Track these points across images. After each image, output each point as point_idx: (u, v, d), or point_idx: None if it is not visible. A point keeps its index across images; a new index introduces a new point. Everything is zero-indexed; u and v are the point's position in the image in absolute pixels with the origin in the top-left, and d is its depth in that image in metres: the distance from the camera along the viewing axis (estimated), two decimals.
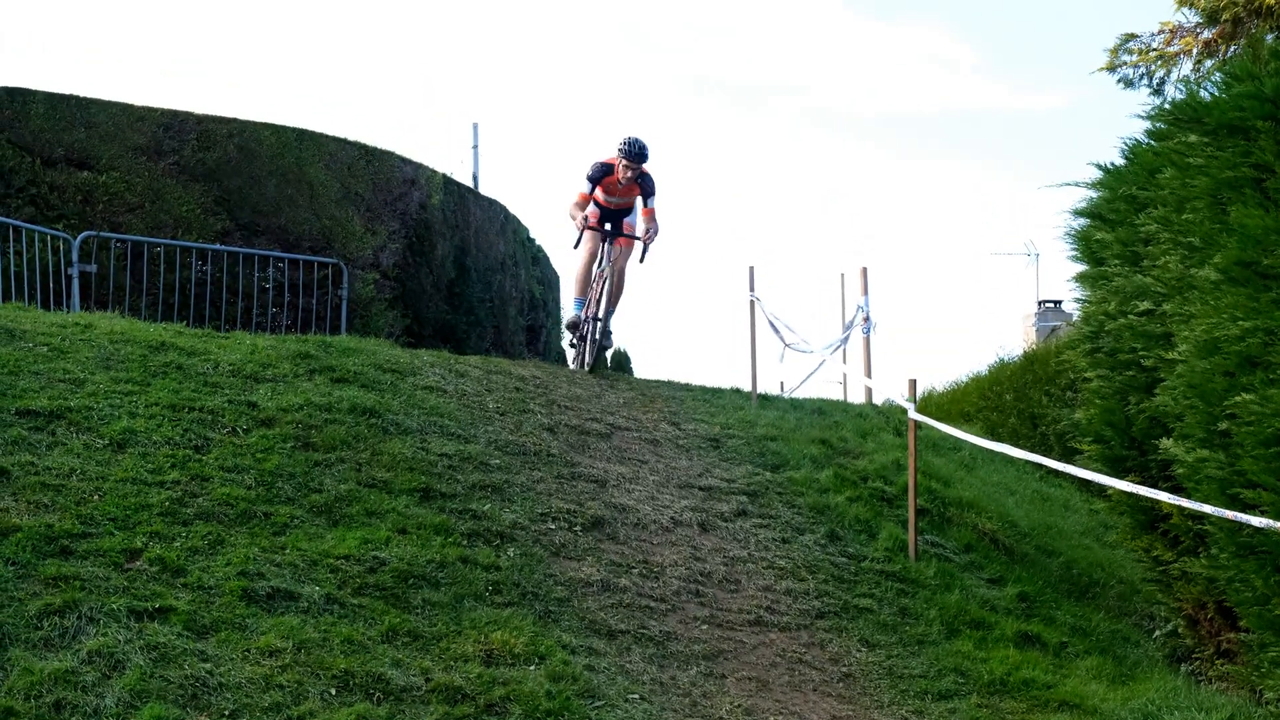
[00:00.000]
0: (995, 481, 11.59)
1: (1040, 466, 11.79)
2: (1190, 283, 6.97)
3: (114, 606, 5.55)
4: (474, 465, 8.00)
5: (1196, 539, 7.29)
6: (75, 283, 11.89)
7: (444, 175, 14.76)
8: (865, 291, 12.09)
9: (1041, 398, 15.08)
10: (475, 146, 19.53)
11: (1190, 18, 13.44)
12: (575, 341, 12.05)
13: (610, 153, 11.31)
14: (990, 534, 9.25)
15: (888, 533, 8.50)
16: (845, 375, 17.20)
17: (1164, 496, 6.56)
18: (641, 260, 11.24)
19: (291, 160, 13.47)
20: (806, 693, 6.41)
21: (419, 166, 14.32)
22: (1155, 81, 13.64)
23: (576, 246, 11.49)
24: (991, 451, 10.94)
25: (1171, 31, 13.60)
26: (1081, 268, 8.44)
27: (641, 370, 19.98)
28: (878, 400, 13.91)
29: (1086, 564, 9.77)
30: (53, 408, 7.27)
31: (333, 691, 5.42)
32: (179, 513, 6.52)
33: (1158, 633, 8.26)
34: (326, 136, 13.83)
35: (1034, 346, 18.92)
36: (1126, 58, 13.76)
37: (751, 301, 12.06)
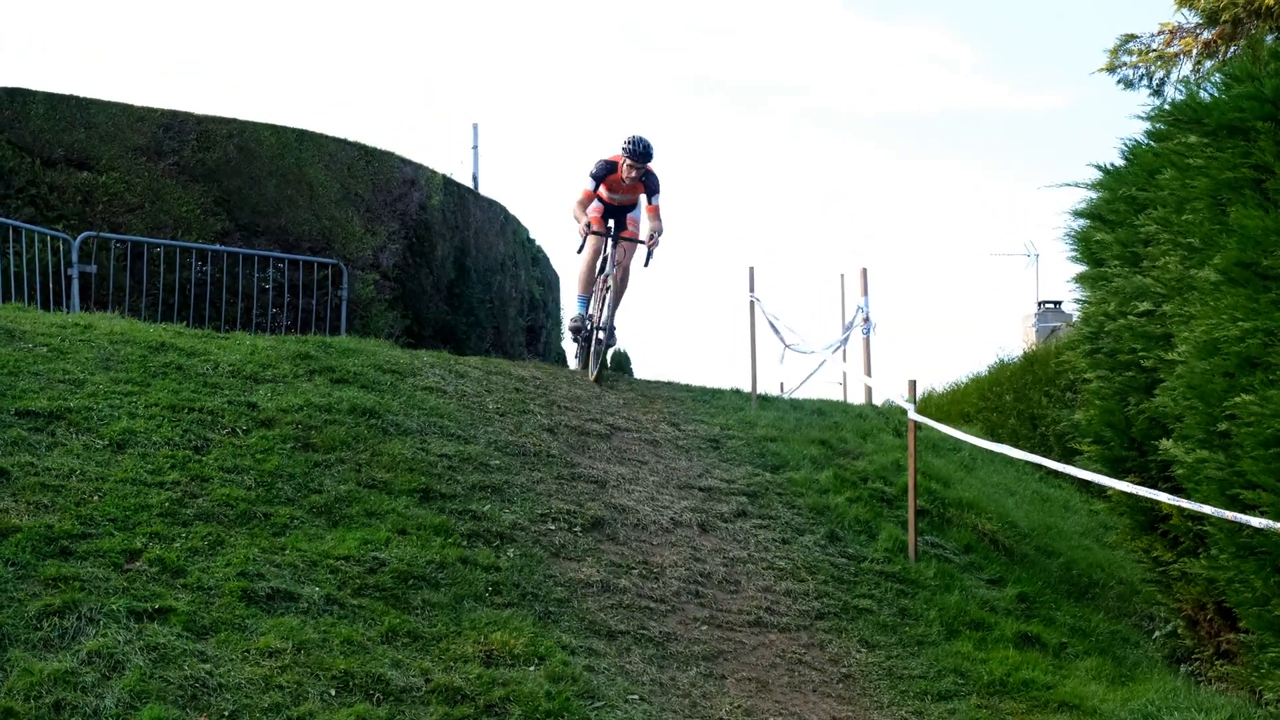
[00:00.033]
0: (995, 482, 11.58)
1: (1040, 467, 11.80)
2: (1190, 283, 6.97)
3: (114, 607, 5.55)
4: (474, 466, 8.00)
5: (1196, 540, 7.29)
6: (75, 283, 11.89)
7: (444, 176, 14.74)
8: (865, 292, 12.08)
9: (1041, 398, 15.08)
10: (475, 147, 19.50)
11: (1190, 18, 13.44)
12: (579, 343, 12.01)
13: (614, 151, 11.30)
14: (990, 535, 9.26)
15: (887, 533, 8.50)
16: (845, 376, 17.22)
17: (1164, 497, 6.56)
18: (646, 264, 11.17)
19: (291, 161, 13.47)
20: (806, 693, 6.41)
21: (419, 167, 14.31)
22: (1155, 82, 13.65)
23: (580, 251, 11.47)
24: (991, 452, 10.94)
25: (1171, 32, 13.60)
26: (1081, 268, 8.44)
27: (641, 371, 19.95)
28: (877, 401, 13.92)
29: (1086, 565, 9.76)
30: (52, 408, 7.27)
31: (332, 692, 5.42)
32: (179, 513, 6.52)
33: (1157, 633, 8.26)
34: (326, 137, 13.83)
35: (1034, 347, 18.91)
36: (1126, 58, 13.76)
37: (751, 302, 12.06)
